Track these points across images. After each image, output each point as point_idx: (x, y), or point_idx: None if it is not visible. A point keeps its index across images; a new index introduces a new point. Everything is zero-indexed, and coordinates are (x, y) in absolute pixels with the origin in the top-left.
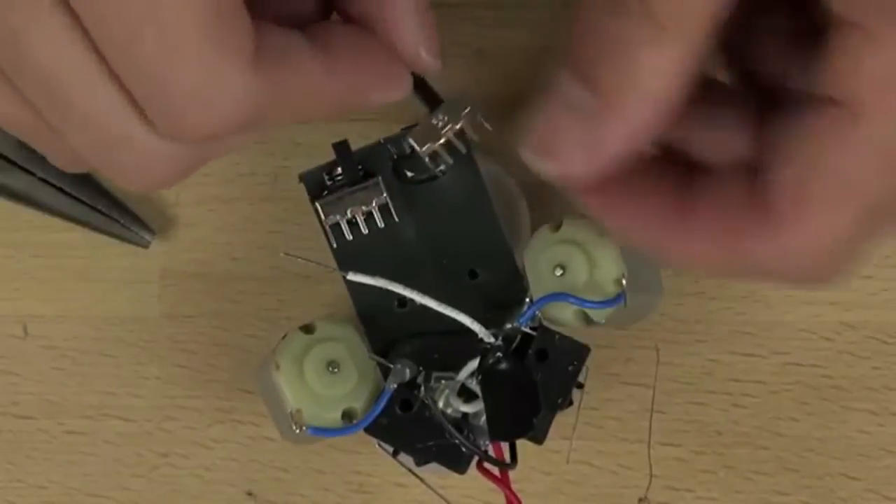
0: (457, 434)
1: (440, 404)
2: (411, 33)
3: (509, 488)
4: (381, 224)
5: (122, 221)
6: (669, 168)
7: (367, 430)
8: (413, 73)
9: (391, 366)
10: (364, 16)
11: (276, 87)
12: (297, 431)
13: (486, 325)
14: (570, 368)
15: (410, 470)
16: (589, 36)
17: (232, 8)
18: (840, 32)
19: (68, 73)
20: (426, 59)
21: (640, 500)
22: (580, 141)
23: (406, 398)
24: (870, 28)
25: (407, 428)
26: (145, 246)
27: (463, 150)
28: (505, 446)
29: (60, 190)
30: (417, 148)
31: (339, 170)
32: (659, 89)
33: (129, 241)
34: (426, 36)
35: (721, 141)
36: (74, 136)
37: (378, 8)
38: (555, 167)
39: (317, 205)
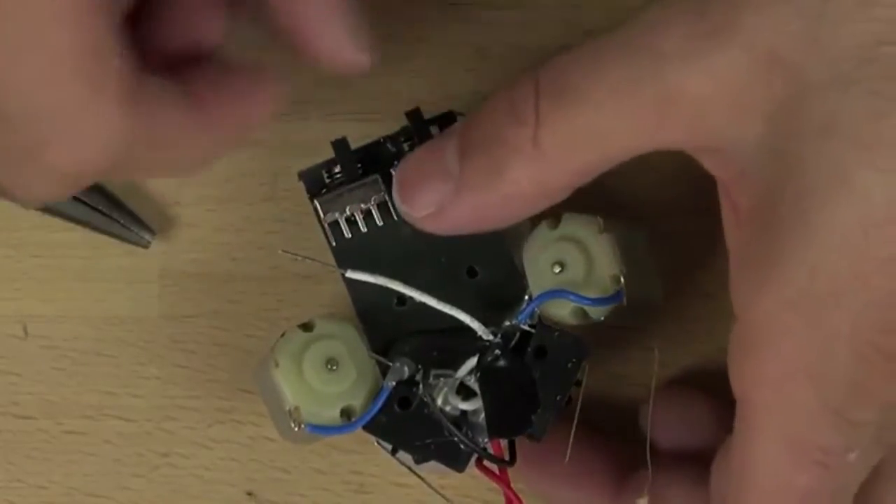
0: (456, 431)
1: (439, 402)
2: (332, 33)
3: (509, 486)
4: (380, 222)
5: (122, 221)
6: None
7: (366, 427)
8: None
9: (390, 364)
10: (286, 15)
11: (145, 130)
12: (296, 429)
13: (485, 323)
14: (569, 366)
15: (410, 468)
16: (483, 122)
17: (103, 47)
18: (736, 327)
19: None
20: (354, 57)
21: (640, 499)
22: (433, 198)
23: (405, 396)
24: (759, 327)
25: (406, 426)
26: (145, 246)
27: None
28: (504, 444)
29: None
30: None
31: (338, 168)
32: (511, 192)
33: (129, 241)
34: (349, 31)
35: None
36: None
37: (294, 8)
38: (404, 207)
39: (315, 203)
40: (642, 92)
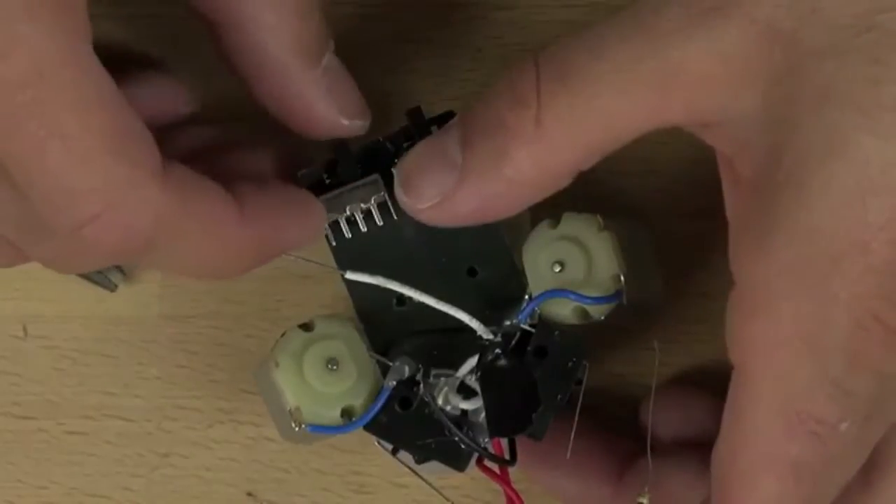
0: (456, 431)
1: (439, 402)
2: (323, 104)
3: (510, 485)
4: (380, 222)
5: None
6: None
7: (367, 427)
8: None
9: (390, 363)
10: (277, 96)
11: (184, 209)
12: (296, 429)
13: (485, 323)
14: (570, 365)
15: (410, 468)
16: (484, 108)
17: (131, 126)
18: (734, 294)
19: None
20: (346, 124)
21: (641, 498)
22: (437, 189)
23: (405, 396)
24: (756, 292)
25: (406, 425)
26: (112, 290)
27: None
28: (505, 444)
29: None
30: None
31: (338, 168)
32: (515, 176)
33: (95, 282)
34: (339, 100)
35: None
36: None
37: (286, 87)
38: (407, 200)
39: None
40: (644, 70)
